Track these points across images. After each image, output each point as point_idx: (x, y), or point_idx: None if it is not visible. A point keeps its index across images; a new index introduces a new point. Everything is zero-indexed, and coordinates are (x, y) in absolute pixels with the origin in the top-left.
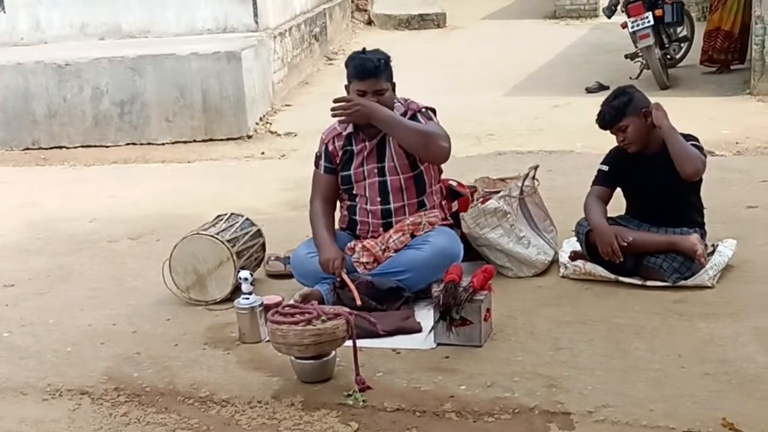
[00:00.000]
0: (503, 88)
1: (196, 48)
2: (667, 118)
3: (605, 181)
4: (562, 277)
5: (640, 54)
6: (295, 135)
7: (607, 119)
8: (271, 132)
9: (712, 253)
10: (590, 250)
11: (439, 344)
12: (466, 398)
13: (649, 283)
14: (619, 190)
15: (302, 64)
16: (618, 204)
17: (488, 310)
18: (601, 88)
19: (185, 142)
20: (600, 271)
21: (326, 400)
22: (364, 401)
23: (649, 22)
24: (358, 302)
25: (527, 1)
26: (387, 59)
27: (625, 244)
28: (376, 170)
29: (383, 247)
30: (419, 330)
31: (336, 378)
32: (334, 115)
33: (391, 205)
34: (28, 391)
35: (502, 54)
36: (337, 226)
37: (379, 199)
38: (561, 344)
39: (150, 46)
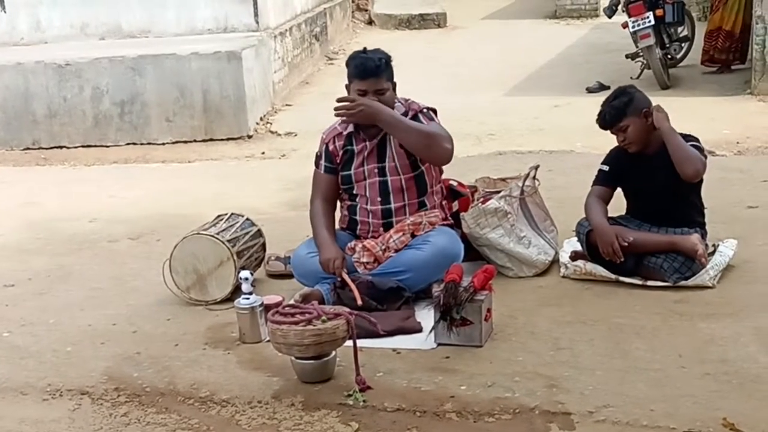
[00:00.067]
0: (503, 88)
1: (196, 48)
2: (667, 120)
3: (606, 181)
4: (563, 277)
5: (641, 54)
6: (296, 135)
7: (607, 119)
8: (272, 132)
9: (713, 253)
10: (591, 250)
11: (439, 344)
12: (466, 398)
13: (650, 283)
14: (619, 190)
15: (303, 63)
16: (618, 204)
17: (489, 310)
18: (602, 87)
19: (185, 142)
20: (600, 271)
21: (326, 400)
22: (364, 401)
23: (649, 21)
24: (359, 302)
25: (527, 1)
26: (388, 59)
27: (626, 244)
28: (376, 170)
29: (383, 247)
30: (419, 330)
31: (336, 378)
32: (337, 115)
33: (392, 205)
34: (28, 391)
35: (503, 54)
36: (337, 226)
37: (379, 199)
38: (561, 344)
39: (150, 46)
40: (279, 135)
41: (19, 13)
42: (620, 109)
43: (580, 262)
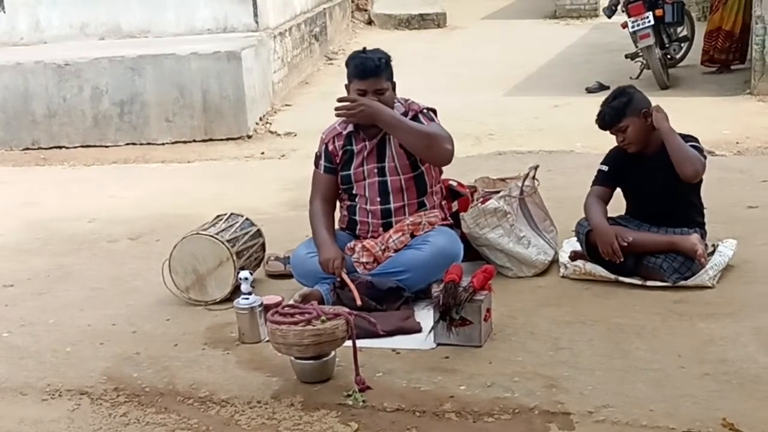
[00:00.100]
0: (503, 88)
1: (196, 48)
2: (667, 121)
3: (605, 181)
4: (562, 277)
5: (641, 54)
6: (295, 135)
7: (606, 120)
8: (271, 132)
9: (713, 253)
10: (590, 250)
11: (439, 344)
12: (465, 398)
13: (649, 283)
14: (619, 190)
15: (302, 63)
16: (618, 204)
17: (488, 310)
18: (602, 88)
19: (185, 142)
20: (600, 271)
21: (326, 400)
22: (363, 401)
23: (649, 21)
24: (358, 302)
25: (527, 1)
26: (387, 58)
27: (626, 244)
28: (376, 170)
29: (383, 247)
30: (419, 330)
31: (336, 378)
32: (338, 115)
33: (391, 205)
34: (27, 391)
35: (502, 54)
36: (336, 226)
37: (378, 199)
38: (561, 344)
39: (150, 46)
40: (278, 135)
41: (18, 13)
42: (619, 110)
43: (579, 262)
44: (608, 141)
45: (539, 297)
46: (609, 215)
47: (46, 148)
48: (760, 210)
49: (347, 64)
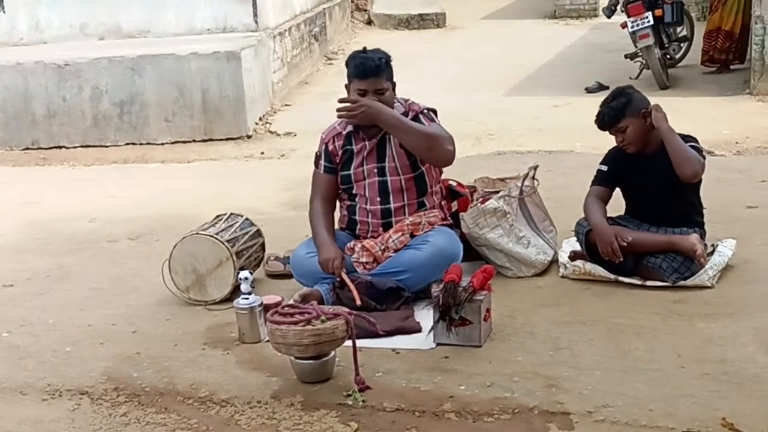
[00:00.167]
0: (503, 88)
1: (195, 48)
2: (666, 120)
3: (604, 181)
4: (562, 277)
5: (640, 54)
6: (295, 135)
7: (606, 120)
8: (271, 132)
9: (712, 253)
10: (590, 250)
11: (438, 344)
12: (465, 398)
13: (649, 283)
14: (618, 190)
15: (302, 64)
16: (618, 204)
17: (488, 310)
18: (601, 88)
19: (185, 142)
20: (600, 271)
21: (326, 400)
22: (363, 401)
23: (648, 21)
24: (358, 302)
25: (527, 1)
26: (388, 58)
27: (625, 244)
28: (375, 170)
29: (383, 247)
30: (419, 330)
31: (335, 378)
32: (339, 116)
33: (391, 205)
34: (27, 391)
35: (502, 54)
36: (336, 226)
37: (378, 199)
38: (560, 344)
39: (149, 46)
40: (278, 135)
41: (18, 13)
42: (619, 110)
43: (579, 262)
44: (608, 141)
45: (539, 297)
46: (608, 215)
47: (46, 148)
48: (759, 210)
49: (347, 64)
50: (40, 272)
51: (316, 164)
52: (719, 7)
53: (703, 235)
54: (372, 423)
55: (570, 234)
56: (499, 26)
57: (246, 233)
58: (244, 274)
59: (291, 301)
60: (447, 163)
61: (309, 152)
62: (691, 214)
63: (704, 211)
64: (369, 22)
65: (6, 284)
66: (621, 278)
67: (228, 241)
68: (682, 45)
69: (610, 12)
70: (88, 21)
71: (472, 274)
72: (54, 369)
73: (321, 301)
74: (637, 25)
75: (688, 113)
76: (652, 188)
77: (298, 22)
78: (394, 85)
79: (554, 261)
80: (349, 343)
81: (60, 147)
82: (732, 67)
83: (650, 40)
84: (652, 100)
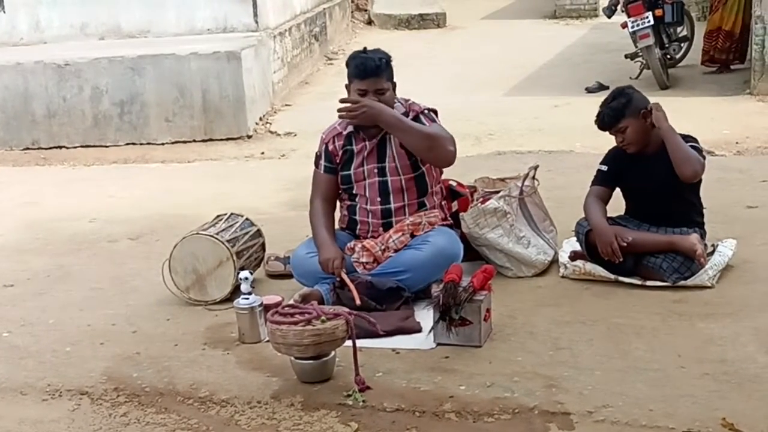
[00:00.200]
0: (503, 88)
1: (195, 48)
2: (666, 119)
3: (604, 181)
4: (562, 277)
5: (640, 54)
6: (295, 135)
7: (605, 121)
8: (271, 132)
9: (712, 253)
10: (590, 250)
11: (438, 344)
12: (465, 398)
13: (649, 283)
14: (618, 190)
15: (302, 64)
16: (618, 204)
17: (488, 310)
18: (601, 88)
19: (185, 142)
20: (600, 271)
21: (326, 400)
22: (363, 401)
23: (649, 21)
24: (358, 302)
25: (527, 1)
26: (388, 58)
27: (625, 244)
28: (376, 170)
29: (383, 247)
30: (419, 330)
31: (336, 378)
32: (341, 117)
33: (392, 205)
34: (27, 391)
35: (502, 54)
36: (337, 226)
37: (379, 199)
38: (561, 344)
39: (150, 46)
40: (278, 135)
41: (18, 13)
42: (618, 111)
43: (579, 262)
44: (608, 141)
45: (539, 297)
46: (609, 215)
47: (46, 148)
48: (759, 210)
49: (348, 64)
50: (40, 272)
51: (317, 164)
52: (719, 7)
53: (703, 235)
54: (372, 423)
55: (570, 234)
56: (499, 26)
57: (246, 233)
58: (244, 274)
59: (291, 301)
60: (448, 163)
61: (309, 152)
62: (691, 214)
63: (704, 211)
64: (369, 22)
65: (6, 284)
66: (621, 278)
67: (228, 241)
68: (682, 45)
69: (610, 12)
70: (88, 21)
71: (473, 274)
72: (54, 369)
73: (321, 301)
74: (638, 25)
75: (688, 113)
76: (652, 188)
77: (298, 22)
78: (394, 85)
79: (554, 261)
80: (349, 343)
81: (60, 147)
82: (732, 67)
83: (650, 40)
84: (653, 100)
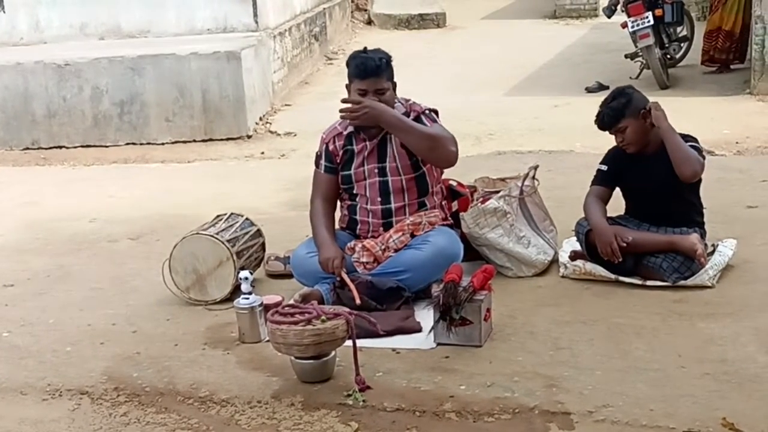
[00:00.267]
0: (503, 88)
1: (195, 48)
2: (666, 119)
3: (604, 180)
4: (562, 277)
5: (640, 54)
6: (295, 135)
7: (605, 121)
8: (271, 132)
9: (712, 252)
10: (590, 249)
11: (439, 344)
12: (466, 398)
13: (649, 283)
14: (618, 190)
15: (302, 63)
16: (618, 204)
17: (488, 310)
18: (601, 87)
19: (185, 142)
20: (600, 270)
21: (326, 400)
22: (363, 401)
23: (649, 21)
24: (358, 302)
25: (527, 1)
26: (388, 58)
27: (625, 244)
28: (376, 170)
29: (383, 247)
30: (419, 330)
31: (336, 378)
32: (342, 117)
33: (392, 205)
34: (27, 391)
35: (502, 54)
36: (337, 226)
37: (379, 198)
38: (561, 344)
39: (150, 46)
40: (278, 135)
41: (18, 13)
42: (618, 111)
43: (579, 262)
44: (608, 141)
45: (539, 297)
46: (608, 215)
47: (46, 148)
48: (759, 210)
49: (348, 64)
50: (40, 272)
51: (317, 164)
52: (719, 7)
53: (703, 235)
54: (372, 423)
55: (570, 234)
56: (499, 26)
57: (246, 233)
58: (244, 274)
59: (291, 301)
60: (450, 164)
61: (309, 152)
62: (691, 214)
63: (704, 210)
64: (369, 22)
65: (6, 284)
66: (621, 278)
67: (228, 241)
68: (682, 45)
69: (610, 12)
70: (88, 21)
71: (473, 274)
72: (54, 369)
73: (321, 301)
74: (638, 25)
75: (688, 113)
76: (651, 188)
77: (298, 22)
78: (394, 85)
79: (554, 261)
80: (349, 343)
81: (60, 147)
82: (732, 67)
83: (650, 40)
84: (653, 100)
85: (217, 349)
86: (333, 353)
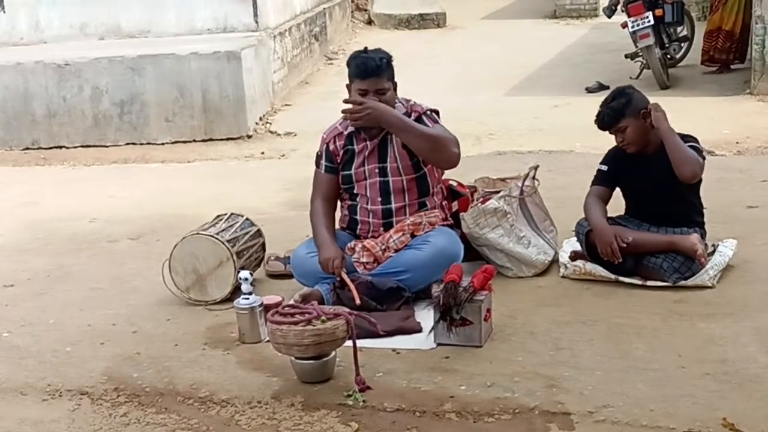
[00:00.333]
0: (503, 88)
1: (195, 48)
2: (665, 120)
3: (604, 180)
4: (562, 277)
5: (640, 54)
6: (295, 135)
7: (605, 121)
8: (271, 132)
9: (713, 253)
10: (590, 250)
11: (439, 344)
12: (466, 398)
13: (650, 283)
14: (618, 190)
15: (302, 63)
16: (618, 204)
17: (488, 310)
18: (601, 87)
19: (185, 142)
20: (600, 271)
21: (326, 400)
22: (364, 401)
23: (649, 21)
24: (358, 302)
25: (527, 1)
26: (389, 58)
27: (625, 244)
28: (377, 170)
29: (383, 247)
30: (419, 330)
31: (336, 378)
32: (345, 118)
33: (392, 205)
34: (27, 391)
35: (502, 54)
36: (337, 226)
37: (380, 199)
38: (561, 344)
39: (150, 46)
40: (278, 135)
41: (18, 13)
42: (618, 111)
43: (579, 262)
44: (608, 141)
45: (539, 297)
46: (609, 215)
47: (46, 148)
48: (760, 210)
49: (348, 64)
50: (40, 272)
51: (317, 164)
52: (719, 7)
53: (703, 235)
54: (372, 423)
55: (570, 234)
56: (499, 26)
57: (246, 233)
58: (244, 274)
59: (291, 301)
60: (452, 165)
61: (309, 152)
62: (691, 214)
63: (704, 210)
64: (369, 22)
65: (6, 284)
66: (621, 278)
67: (228, 241)
68: (682, 45)
69: (610, 12)
70: (88, 21)
71: (473, 274)
72: (54, 369)
73: (321, 301)
74: (638, 25)
75: (688, 113)
76: (652, 188)
77: (298, 22)
78: (395, 85)
79: (555, 261)
80: (349, 343)
81: (60, 147)
82: (732, 67)
83: (651, 40)
84: (653, 100)
85: (217, 349)
86: (333, 353)
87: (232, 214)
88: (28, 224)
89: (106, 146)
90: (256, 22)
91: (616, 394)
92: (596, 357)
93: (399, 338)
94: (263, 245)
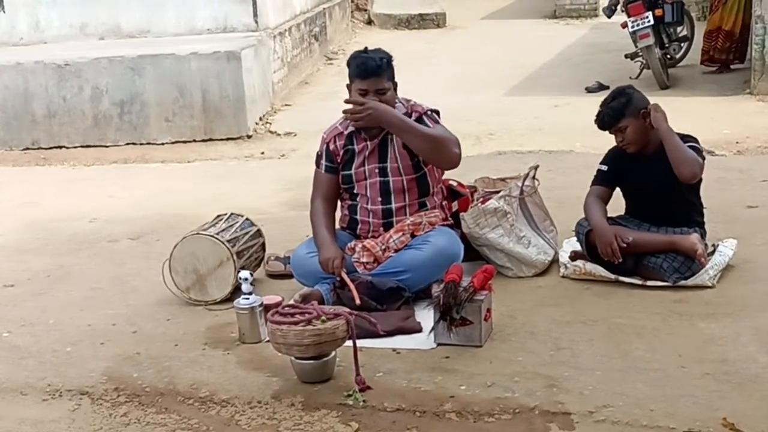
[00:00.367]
0: (503, 88)
1: (195, 48)
2: (665, 120)
3: (604, 180)
4: (563, 277)
5: (640, 54)
6: (295, 135)
7: (605, 120)
8: (271, 132)
9: (713, 252)
10: (590, 250)
11: (439, 344)
12: (466, 398)
13: (650, 283)
14: (618, 190)
15: (302, 63)
16: (618, 204)
17: (488, 310)
18: (601, 87)
19: (185, 142)
20: (600, 271)
21: (326, 400)
22: (364, 401)
23: (649, 21)
24: (358, 302)
25: (527, 1)
26: (389, 58)
27: (625, 244)
28: (377, 170)
29: (383, 247)
30: (419, 330)
31: (336, 378)
32: (346, 118)
33: (392, 205)
34: (27, 391)
35: (502, 54)
36: (337, 226)
37: (380, 198)
38: (561, 344)
39: (150, 46)
40: (278, 135)
41: (18, 13)
42: (618, 110)
43: (579, 262)
44: (608, 141)
45: (539, 297)
46: (609, 215)
47: (46, 148)
48: (760, 210)
49: (349, 64)
50: (40, 272)
51: (318, 164)
52: (719, 7)
53: (703, 235)
54: (373, 423)
55: (570, 234)
56: (499, 26)
57: (246, 233)
58: (244, 274)
59: (291, 301)
60: (453, 165)
61: (309, 152)
62: (691, 214)
63: (704, 210)
64: (369, 22)
65: (6, 284)
66: (621, 278)
67: (228, 241)
68: (682, 45)
69: (610, 12)
70: (88, 21)
71: (473, 274)
72: (54, 369)
73: (321, 301)
74: (638, 25)
75: (688, 113)
76: (652, 188)
77: (298, 22)
78: (395, 85)
79: (555, 261)
80: (349, 343)
81: (60, 147)
82: (732, 66)
83: (650, 40)
84: (653, 100)
85: (217, 349)
86: (333, 353)
87: (232, 214)
88: (28, 224)
89: (106, 146)
90: (256, 22)
91: (616, 394)
92: (596, 357)
93: (399, 338)
94: (263, 245)
